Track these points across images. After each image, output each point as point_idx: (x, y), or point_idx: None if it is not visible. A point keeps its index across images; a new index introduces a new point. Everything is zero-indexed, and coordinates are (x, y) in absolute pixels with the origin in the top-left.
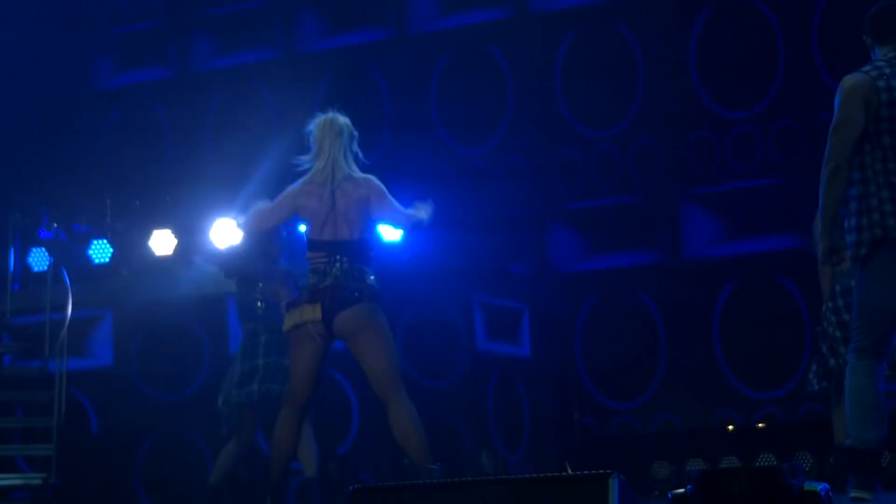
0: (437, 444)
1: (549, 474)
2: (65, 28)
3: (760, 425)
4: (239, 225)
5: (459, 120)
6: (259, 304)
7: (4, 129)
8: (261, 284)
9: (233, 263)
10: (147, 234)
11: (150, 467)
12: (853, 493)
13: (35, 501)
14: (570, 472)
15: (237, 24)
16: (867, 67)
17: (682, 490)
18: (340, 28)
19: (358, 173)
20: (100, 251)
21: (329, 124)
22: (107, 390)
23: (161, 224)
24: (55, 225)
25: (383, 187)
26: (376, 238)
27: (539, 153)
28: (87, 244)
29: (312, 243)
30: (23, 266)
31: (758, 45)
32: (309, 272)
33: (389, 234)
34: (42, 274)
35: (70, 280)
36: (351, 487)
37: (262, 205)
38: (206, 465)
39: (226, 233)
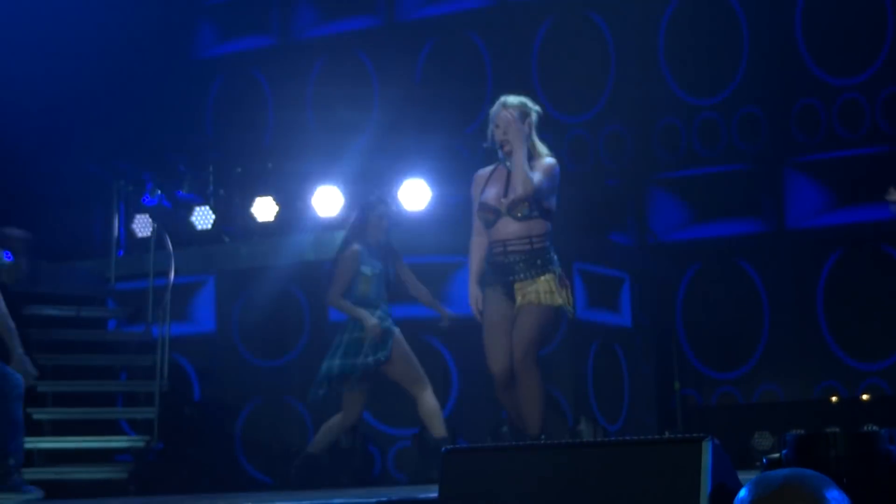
0: None
1: (642, 437)
2: None
3: (864, 397)
4: None
5: (560, 88)
6: None
7: (110, 97)
8: None
9: None
10: (249, 201)
11: (251, 432)
12: None
13: (138, 463)
14: None
15: None
16: None
17: (777, 455)
18: None
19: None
20: (202, 218)
21: None
22: (209, 355)
23: (263, 191)
24: (159, 192)
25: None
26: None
27: (641, 121)
28: (189, 211)
29: None
30: (127, 232)
31: (866, 11)
32: None
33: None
34: (146, 240)
35: (173, 246)
36: (443, 449)
37: None
38: (305, 429)
39: (327, 200)
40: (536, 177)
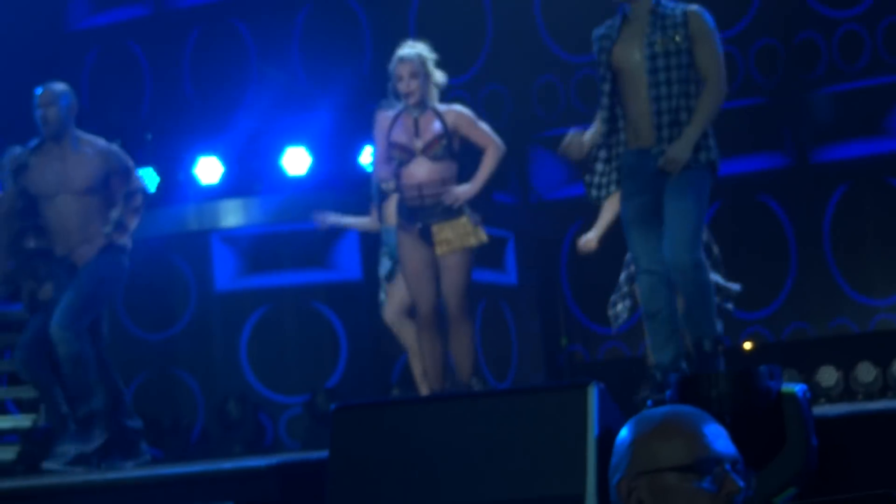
0: None
1: (528, 385)
2: None
3: (747, 346)
4: None
5: (438, 47)
6: None
7: None
8: None
9: None
10: None
11: (140, 406)
12: None
13: (25, 443)
14: None
15: None
16: None
17: (662, 396)
18: None
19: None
20: None
21: None
22: None
23: (143, 163)
24: None
25: None
26: None
27: (519, 80)
28: None
29: None
30: None
31: None
32: None
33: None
34: None
35: None
36: (332, 406)
37: None
38: (195, 401)
39: (208, 170)
40: (496, 140)
